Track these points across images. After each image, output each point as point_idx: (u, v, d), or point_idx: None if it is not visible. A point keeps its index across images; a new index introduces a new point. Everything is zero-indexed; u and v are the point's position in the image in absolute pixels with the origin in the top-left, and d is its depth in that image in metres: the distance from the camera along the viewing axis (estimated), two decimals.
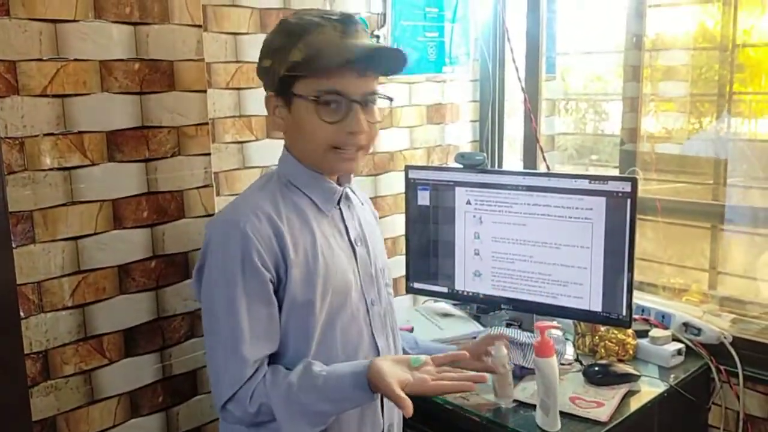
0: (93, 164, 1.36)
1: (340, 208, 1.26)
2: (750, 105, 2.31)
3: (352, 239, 1.26)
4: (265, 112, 1.24)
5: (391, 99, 1.25)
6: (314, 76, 1.13)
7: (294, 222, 1.18)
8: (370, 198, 1.54)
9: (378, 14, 2.00)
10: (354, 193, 1.33)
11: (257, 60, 1.23)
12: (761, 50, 2.24)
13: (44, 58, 1.27)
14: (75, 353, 1.37)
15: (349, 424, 1.22)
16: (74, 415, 1.38)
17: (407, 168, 1.94)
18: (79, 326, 1.38)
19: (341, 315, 1.21)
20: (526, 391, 1.61)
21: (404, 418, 1.31)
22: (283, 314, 1.17)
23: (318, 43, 1.12)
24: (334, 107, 1.15)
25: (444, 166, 2.25)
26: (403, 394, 1.06)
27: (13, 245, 1.26)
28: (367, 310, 1.26)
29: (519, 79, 2.18)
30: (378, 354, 1.26)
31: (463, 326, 1.89)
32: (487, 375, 1.17)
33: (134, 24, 1.38)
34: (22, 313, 1.28)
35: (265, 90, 1.23)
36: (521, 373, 1.66)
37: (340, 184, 1.26)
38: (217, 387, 1.15)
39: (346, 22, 1.15)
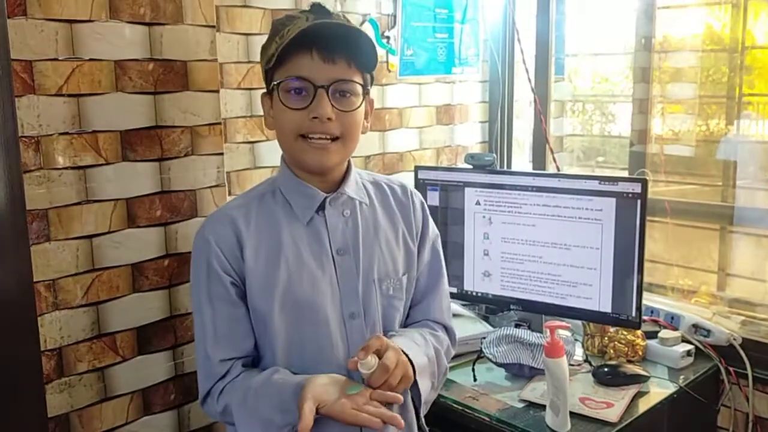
0: (107, 163, 1.37)
1: (324, 215, 1.20)
2: (758, 107, 2.31)
3: (334, 249, 1.20)
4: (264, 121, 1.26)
5: (364, 86, 1.17)
6: (285, 65, 1.12)
7: (262, 229, 1.17)
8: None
9: (388, 15, 2.01)
10: (355, 197, 1.24)
11: None
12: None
13: (60, 58, 1.28)
14: (89, 351, 1.38)
15: None
16: (88, 412, 1.39)
17: (417, 168, 1.95)
18: (93, 324, 1.39)
19: (308, 327, 1.17)
20: (536, 391, 1.61)
21: (418, 423, 1.30)
22: (252, 320, 1.19)
23: (288, 34, 1.10)
24: (303, 94, 1.12)
25: (453, 166, 2.25)
26: (306, 410, 1.01)
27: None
28: (345, 324, 1.19)
29: (529, 80, 2.19)
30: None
31: (472, 327, 1.89)
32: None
33: (148, 24, 1.39)
34: (37, 311, 1.29)
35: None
36: (531, 374, 1.66)
37: (333, 189, 1.21)
38: (198, 381, 1.20)
39: (316, 10, 1.14)
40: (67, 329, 1.35)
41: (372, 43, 1.15)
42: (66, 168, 1.32)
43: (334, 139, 1.14)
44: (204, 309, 1.17)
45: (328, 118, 1.12)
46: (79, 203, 1.34)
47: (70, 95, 1.30)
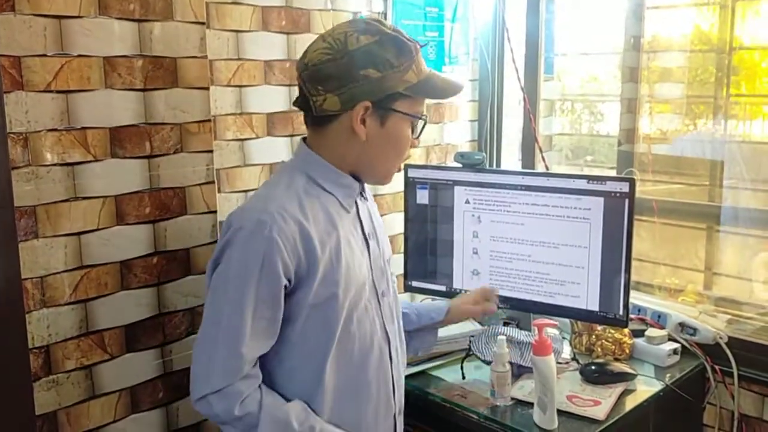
0: (96, 160, 1.36)
1: (356, 204, 1.31)
2: (745, 108, 2.33)
3: (366, 233, 1.31)
4: (266, 110, 1.28)
5: (426, 119, 1.34)
6: (415, 98, 1.24)
7: (320, 221, 1.21)
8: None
9: (379, 13, 2.01)
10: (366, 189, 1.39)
11: (261, 58, 1.26)
12: (757, 53, 2.26)
13: (49, 54, 1.27)
14: (76, 348, 1.38)
15: (367, 408, 1.28)
16: (75, 410, 1.39)
17: (406, 167, 1.95)
18: (81, 321, 1.38)
19: (358, 308, 1.25)
20: (524, 389, 1.62)
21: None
22: (303, 313, 1.19)
23: (424, 69, 1.24)
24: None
25: (443, 165, 2.26)
26: None
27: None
28: (379, 302, 1.31)
29: (519, 78, 2.20)
30: (389, 340, 1.32)
31: (461, 325, 1.89)
32: None
33: (138, 21, 1.38)
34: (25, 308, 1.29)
35: (356, 97, 1.19)
36: (519, 372, 1.67)
37: (357, 180, 1.31)
38: (203, 377, 1.15)
39: (420, 51, 1.25)
40: (55, 327, 1.34)
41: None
42: (54, 165, 1.31)
43: None
44: (246, 306, 1.13)
45: None
46: (67, 200, 1.34)
47: (58, 91, 1.30)
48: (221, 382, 1.13)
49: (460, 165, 1.92)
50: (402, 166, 1.42)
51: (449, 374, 1.73)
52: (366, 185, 1.37)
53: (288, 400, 1.21)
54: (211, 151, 1.54)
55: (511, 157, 2.44)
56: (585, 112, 2.86)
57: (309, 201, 1.21)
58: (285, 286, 1.16)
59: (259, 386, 1.18)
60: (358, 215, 1.30)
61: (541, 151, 2.21)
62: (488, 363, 1.65)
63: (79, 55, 1.31)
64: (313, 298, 1.19)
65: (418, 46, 1.22)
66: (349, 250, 1.24)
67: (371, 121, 1.21)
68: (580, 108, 2.85)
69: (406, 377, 1.47)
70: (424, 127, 1.29)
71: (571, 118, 2.84)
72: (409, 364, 1.66)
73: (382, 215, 1.50)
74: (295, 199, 1.20)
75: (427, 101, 1.32)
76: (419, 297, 2.11)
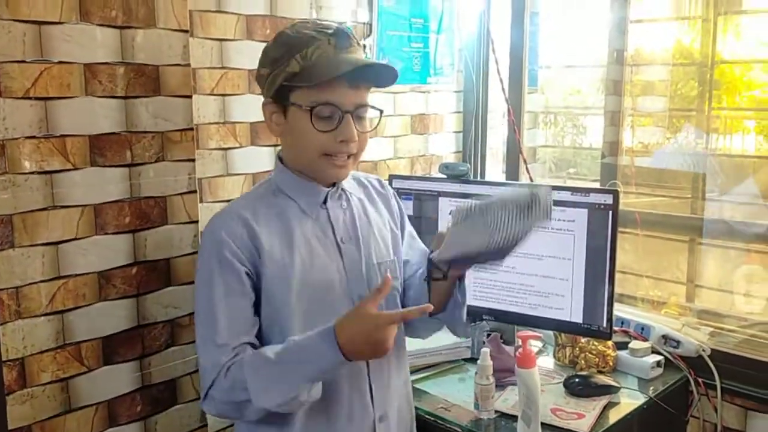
0: (75, 168, 1.34)
1: (327, 209, 1.28)
2: (726, 121, 2.35)
3: (338, 238, 1.28)
4: (249, 119, 1.27)
5: (381, 111, 1.29)
6: (309, 88, 1.18)
7: (273, 224, 1.23)
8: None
9: (364, 24, 2.01)
10: (348, 190, 1.34)
11: (245, 67, 1.26)
12: (738, 67, 2.28)
13: (28, 60, 1.25)
14: (53, 361, 1.35)
15: (338, 413, 1.25)
16: (50, 424, 1.35)
17: (391, 177, 1.94)
18: (58, 333, 1.35)
19: (322, 312, 1.21)
20: (508, 402, 1.61)
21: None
22: (263, 310, 1.22)
23: (314, 57, 1.18)
24: (328, 117, 1.19)
25: (428, 176, 2.25)
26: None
27: None
28: (353, 305, 1.26)
29: (503, 90, 2.20)
30: None
31: (444, 337, 1.87)
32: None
33: (120, 27, 1.36)
34: None
35: (263, 96, 1.26)
36: (502, 384, 1.66)
37: (332, 185, 1.29)
38: (203, 379, 1.20)
39: (340, 35, 1.21)
40: (30, 338, 1.31)
41: (395, 73, 1.24)
42: (32, 173, 1.28)
43: (350, 155, 1.25)
44: (218, 306, 1.18)
45: (354, 141, 1.22)
46: (45, 209, 1.31)
47: (37, 98, 1.27)
48: (212, 376, 1.17)
49: (444, 176, 1.91)
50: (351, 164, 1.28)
51: (433, 387, 1.71)
52: (354, 190, 1.35)
53: None
54: (193, 160, 1.52)
55: (494, 169, 2.44)
56: (568, 125, 2.88)
57: (266, 207, 1.25)
58: (248, 273, 1.19)
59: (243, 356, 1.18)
60: (329, 220, 1.28)
61: (525, 162, 2.21)
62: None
63: (60, 62, 1.29)
64: (267, 298, 1.21)
65: (322, 35, 1.19)
66: (307, 252, 1.24)
67: (277, 117, 1.24)
68: (563, 121, 2.86)
69: None
70: (342, 116, 1.18)
71: (554, 131, 2.85)
72: None
73: None
74: (250, 205, 1.25)
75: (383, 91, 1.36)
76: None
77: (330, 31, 1.20)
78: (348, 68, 1.16)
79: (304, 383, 1.11)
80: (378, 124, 1.31)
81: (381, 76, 1.25)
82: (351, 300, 1.27)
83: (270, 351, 1.15)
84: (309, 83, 1.17)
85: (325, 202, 1.28)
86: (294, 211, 1.26)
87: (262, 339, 1.23)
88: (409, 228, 1.48)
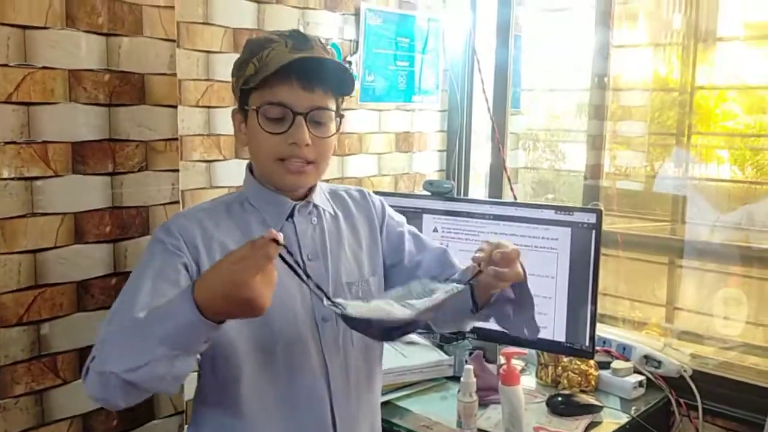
0: (56, 175, 1.31)
1: (294, 223, 1.22)
2: (703, 149, 2.39)
3: (305, 255, 1.21)
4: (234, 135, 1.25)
5: (341, 116, 1.22)
6: (263, 89, 1.14)
7: (233, 234, 1.18)
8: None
9: (350, 41, 2.02)
10: (320, 205, 1.26)
11: (230, 79, 1.24)
12: (714, 92, 2.33)
13: (11, 64, 1.23)
14: (27, 372, 1.31)
15: None
16: None
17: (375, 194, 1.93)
18: (33, 344, 1.32)
19: (278, 329, 1.15)
20: (491, 420, 1.60)
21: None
22: None
23: (268, 58, 1.14)
24: (280, 119, 1.15)
25: (412, 193, 2.25)
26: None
27: None
28: (317, 326, 1.19)
29: (489, 108, 2.21)
30: (327, 374, 1.19)
31: (427, 354, 1.87)
32: None
33: (106, 35, 1.35)
34: None
35: None
36: (485, 402, 1.65)
37: (301, 198, 1.23)
38: (92, 353, 1.03)
39: (296, 37, 1.17)
40: (4, 349, 1.28)
41: (350, 74, 1.20)
42: (12, 179, 1.26)
43: (309, 162, 1.18)
44: (143, 285, 1.06)
45: (306, 144, 1.15)
46: (24, 216, 1.28)
47: (19, 103, 1.25)
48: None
49: (429, 193, 1.91)
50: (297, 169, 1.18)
51: (415, 405, 1.70)
52: (326, 205, 1.27)
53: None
54: (177, 170, 1.50)
55: (477, 189, 2.45)
56: (547, 151, 2.91)
57: (229, 215, 1.20)
58: (186, 266, 1.11)
59: None
60: (296, 235, 1.21)
61: (510, 180, 2.22)
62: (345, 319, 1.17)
63: (44, 67, 1.27)
64: None
65: (281, 37, 1.16)
66: None
67: (243, 126, 1.21)
68: (543, 147, 2.89)
69: None
70: (294, 119, 1.13)
71: (534, 155, 2.88)
72: None
73: None
74: (215, 211, 1.21)
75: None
76: None
77: (287, 34, 1.18)
78: (293, 64, 1.11)
79: (158, 346, 0.92)
80: (338, 131, 1.21)
81: (331, 74, 1.17)
82: (315, 322, 1.19)
83: (142, 312, 1.00)
84: (261, 84, 1.13)
85: (292, 215, 1.22)
86: (257, 224, 1.20)
87: (206, 364, 1.16)
88: (405, 228, 1.38)
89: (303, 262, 1.19)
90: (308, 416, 1.18)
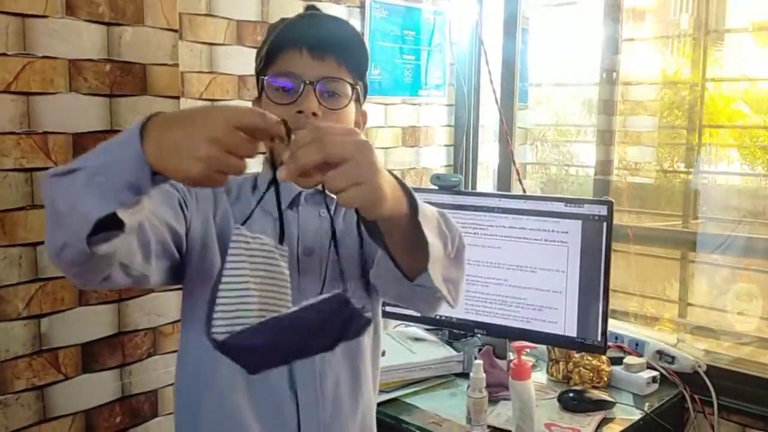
0: (57, 166, 1.29)
1: (298, 212, 1.14)
2: (711, 150, 2.36)
3: (301, 249, 1.12)
4: None
5: (357, 89, 1.12)
6: (274, 63, 1.08)
7: (236, 212, 1.11)
8: None
9: None
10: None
11: (235, 72, 1.20)
12: (720, 101, 2.31)
13: (10, 53, 1.21)
14: (28, 367, 1.29)
15: None
16: None
17: None
18: (34, 338, 1.29)
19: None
20: (501, 416, 1.56)
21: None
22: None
23: (281, 32, 1.07)
24: (288, 90, 1.07)
25: (418, 187, 2.22)
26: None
27: None
28: None
29: (496, 100, 2.18)
30: (295, 384, 1.10)
31: (436, 351, 1.84)
32: None
33: (107, 24, 1.33)
34: None
35: None
36: (495, 398, 1.62)
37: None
38: None
39: (309, 8, 1.12)
40: (4, 343, 1.25)
41: (363, 43, 1.12)
42: (12, 170, 1.24)
43: None
44: None
45: (314, 113, 1.05)
46: (24, 208, 1.26)
47: (19, 93, 1.23)
48: None
49: (436, 187, 1.88)
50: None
51: (423, 401, 1.66)
52: None
53: None
54: None
55: (485, 184, 2.42)
56: (555, 150, 2.88)
57: (237, 194, 1.14)
58: (180, 203, 1.03)
59: None
60: (297, 225, 1.13)
61: (518, 173, 2.19)
62: None
63: (44, 57, 1.26)
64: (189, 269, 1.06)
65: (281, 23, 1.10)
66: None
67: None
68: (551, 146, 2.86)
69: (379, 404, 1.31)
70: (303, 88, 1.05)
71: (542, 150, 2.85)
72: (382, 391, 1.59)
73: None
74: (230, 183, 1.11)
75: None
76: (393, 323, 2.06)
77: (302, 10, 1.13)
78: (299, 27, 1.05)
79: (88, 179, 0.77)
80: (350, 102, 1.10)
81: (348, 46, 1.09)
82: None
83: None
84: (269, 56, 1.07)
85: (297, 204, 1.13)
86: (260, 207, 1.05)
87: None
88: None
89: (297, 256, 1.11)
90: (270, 419, 1.09)
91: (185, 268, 1.07)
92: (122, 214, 0.79)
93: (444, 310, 1.83)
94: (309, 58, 1.07)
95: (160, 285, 1.05)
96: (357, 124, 1.16)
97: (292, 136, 0.75)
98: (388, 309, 1.92)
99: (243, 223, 0.85)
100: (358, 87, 1.13)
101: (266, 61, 1.09)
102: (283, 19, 1.12)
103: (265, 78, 1.09)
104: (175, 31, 1.44)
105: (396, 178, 0.85)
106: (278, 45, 1.07)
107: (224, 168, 0.74)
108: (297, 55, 1.07)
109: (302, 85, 1.06)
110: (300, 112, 1.05)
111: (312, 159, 0.73)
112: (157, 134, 0.75)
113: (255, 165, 1.20)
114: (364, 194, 0.75)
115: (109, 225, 0.79)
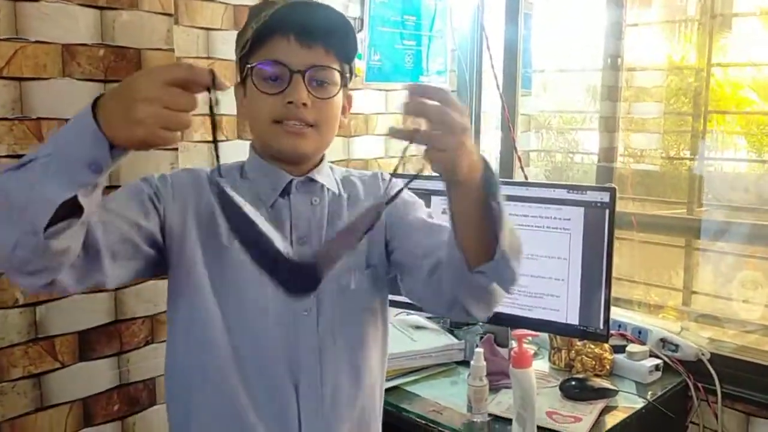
0: None
1: (289, 200, 1.13)
2: (717, 136, 2.33)
3: (294, 237, 1.11)
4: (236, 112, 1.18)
5: (346, 77, 1.12)
6: (260, 50, 1.07)
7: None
8: None
9: (355, 19, 1.97)
10: (326, 186, 1.16)
11: (232, 57, 1.17)
12: (727, 87, 2.28)
13: (1, 38, 1.20)
14: (24, 355, 1.28)
15: None
16: (21, 422, 1.29)
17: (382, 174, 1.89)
18: (30, 326, 1.29)
19: (244, 313, 1.08)
20: (502, 404, 1.55)
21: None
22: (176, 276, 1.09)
23: (266, 17, 1.05)
24: (276, 79, 1.06)
25: (420, 174, 2.20)
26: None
27: None
28: (292, 318, 1.09)
29: (498, 86, 2.16)
30: (297, 374, 1.09)
31: (437, 339, 1.82)
32: None
33: (101, 8, 1.32)
34: None
35: None
36: (496, 387, 1.60)
37: (303, 174, 1.14)
38: None
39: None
40: (0, 331, 1.25)
41: (352, 30, 1.10)
42: (5, 156, 1.22)
43: (309, 125, 1.08)
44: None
45: (303, 104, 1.06)
46: None
47: (11, 78, 1.22)
48: None
49: (438, 174, 1.86)
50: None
51: (424, 389, 1.65)
52: (332, 185, 1.17)
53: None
54: (176, 149, 1.46)
55: None
56: (560, 138, 2.85)
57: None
58: (151, 198, 1.05)
59: None
60: (289, 212, 1.12)
61: (520, 160, 2.17)
62: None
63: (36, 41, 1.24)
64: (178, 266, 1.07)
65: (266, 6, 1.08)
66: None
67: (244, 100, 1.12)
68: (555, 133, 2.83)
69: None
70: (291, 77, 1.04)
71: (546, 138, 2.82)
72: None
73: None
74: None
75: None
76: (394, 311, 2.04)
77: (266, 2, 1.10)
78: (285, 13, 1.03)
79: (45, 166, 0.79)
80: (339, 91, 1.10)
81: (336, 34, 1.08)
82: (292, 311, 1.08)
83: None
84: (254, 43, 1.06)
85: (289, 193, 1.12)
86: (250, 196, 1.08)
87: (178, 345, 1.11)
88: (413, 210, 1.20)
89: (291, 244, 1.10)
90: (267, 404, 1.08)
91: (168, 259, 1.08)
92: (82, 199, 0.80)
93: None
94: (297, 45, 1.06)
95: (125, 282, 1.07)
96: (343, 109, 1.15)
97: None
98: (390, 297, 1.91)
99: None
100: (346, 74, 1.12)
101: (251, 47, 1.07)
102: (268, 2, 1.09)
103: (252, 66, 1.07)
104: (170, 15, 1.42)
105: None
106: (264, 32, 1.05)
107: (168, 124, 0.77)
108: (284, 42, 1.06)
109: (290, 75, 1.05)
110: (290, 102, 1.05)
111: (446, 143, 0.87)
112: (103, 107, 0.78)
113: (243, 153, 1.20)
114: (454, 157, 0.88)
115: (66, 215, 0.80)
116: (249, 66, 1.08)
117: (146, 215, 1.03)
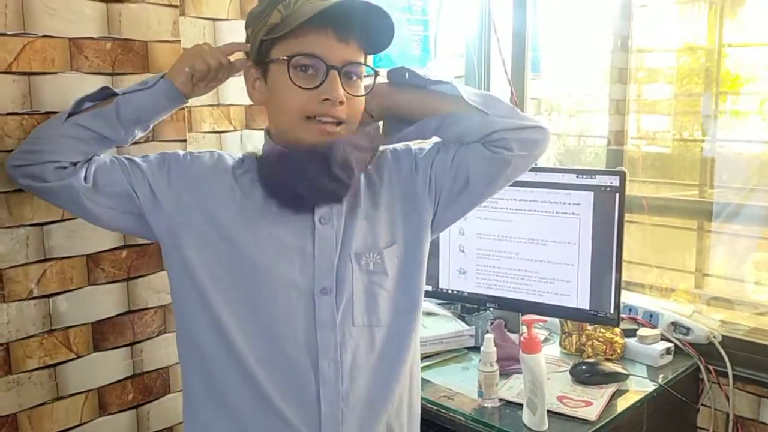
0: None
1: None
2: (727, 117, 2.30)
3: (317, 217, 1.11)
4: (244, 102, 1.19)
5: (377, 73, 1.13)
6: (291, 38, 1.03)
7: (245, 187, 1.14)
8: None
9: None
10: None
11: None
12: (744, 50, 2.24)
13: (9, 33, 1.20)
14: (39, 346, 1.30)
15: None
16: (38, 412, 1.30)
17: None
18: (45, 318, 1.30)
19: (259, 294, 1.09)
20: (512, 390, 1.56)
21: None
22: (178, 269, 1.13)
23: (297, 4, 1.03)
24: (311, 72, 1.04)
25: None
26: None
27: None
28: (314, 300, 1.09)
29: (506, 71, 2.15)
30: (315, 354, 1.09)
31: (447, 325, 1.83)
32: None
33: (107, 1, 1.31)
34: None
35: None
36: (506, 372, 1.61)
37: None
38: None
39: None
40: (15, 323, 1.26)
41: (392, 24, 1.08)
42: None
43: (339, 123, 1.07)
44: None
45: (340, 102, 1.05)
46: None
47: (20, 73, 1.22)
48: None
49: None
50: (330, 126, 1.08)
51: (435, 376, 1.66)
52: (386, 163, 1.17)
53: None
54: (184, 140, 1.47)
55: None
56: (572, 121, 2.83)
57: (249, 170, 1.16)
58: (149, 181, 1.13)
59: None
60: None
61: None
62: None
63: (44, 36, 1.24)
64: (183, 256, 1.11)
65: None
66: (266, 227, 1.10)
67: (260, 83, 1.11)
68: (567, 111, 2.81)
69: None
70: (328, 72, 1.03)
71: (557, 121, 2.80)
72: None
73: None
74: (241, 160, 1.18)
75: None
76: None
77: None
78: (332, 8, 0.99)
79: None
80: (372, 89, 1.10)
81: (373, 25, 1.06)
82: (311, 293, 1.09)
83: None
84: (291, 32, 1.02)
85: None
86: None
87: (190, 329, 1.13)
88: (424, 156, 1.19)
89: (314, 224, 1.11)
90: (286, 382, 1.09)
91: (154, 231, 1.15)
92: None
93: (456, 284, 1.83)
94: (334, 39, 1.04)
95: (117, 227, 1.22)
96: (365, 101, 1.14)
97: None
98: None
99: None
100: (376, 70, 1.13)
101: (281, 35, 1.04)
102: None
103: (289, 58, 1.04)
104: (176, 6, 1.42)
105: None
106: (299, 19, 1.01)
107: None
108: (322, 35, 1.03)
109: (327, 70, 1.04)
110: (326, 99, 1.04)
111: None
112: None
113: (251, 142, 1.21)
114: None
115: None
116: (283, 57, 1.04)
117: (139, 182, 1.13)
